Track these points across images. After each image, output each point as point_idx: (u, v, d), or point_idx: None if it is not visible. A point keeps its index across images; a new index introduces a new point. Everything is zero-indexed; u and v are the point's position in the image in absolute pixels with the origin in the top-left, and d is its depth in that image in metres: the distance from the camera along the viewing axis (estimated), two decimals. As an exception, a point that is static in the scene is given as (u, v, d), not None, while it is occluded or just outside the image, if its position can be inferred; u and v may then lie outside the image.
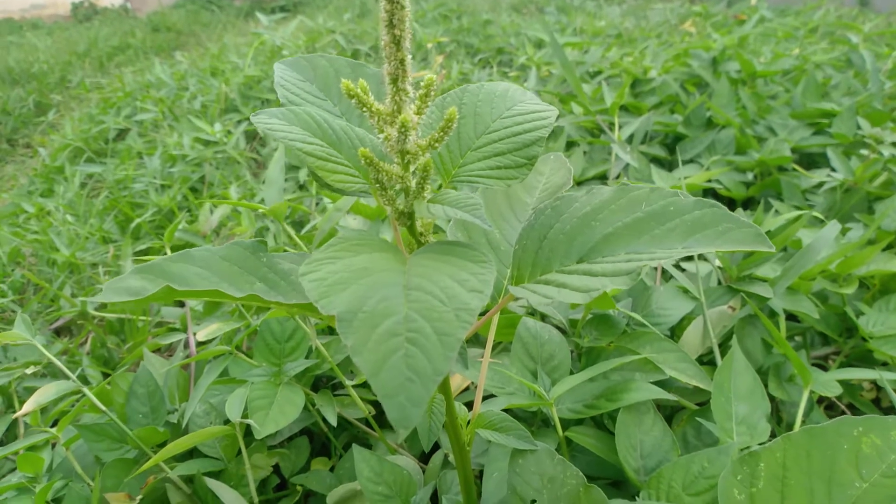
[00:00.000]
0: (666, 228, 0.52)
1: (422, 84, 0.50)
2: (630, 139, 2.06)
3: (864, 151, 1.81)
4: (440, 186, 0.59)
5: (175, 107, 3.98)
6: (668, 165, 2.04)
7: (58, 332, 2.35)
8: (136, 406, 1.06)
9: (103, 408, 1.01)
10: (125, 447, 1.03)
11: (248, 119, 3.54)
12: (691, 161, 1.99)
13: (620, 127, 2.10)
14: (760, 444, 0.84)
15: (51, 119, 5.17)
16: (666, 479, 0.76)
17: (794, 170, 1.80)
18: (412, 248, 0.57)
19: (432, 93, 0.50)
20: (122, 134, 4.04)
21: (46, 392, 0.98)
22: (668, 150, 2.08)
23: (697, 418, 0.91)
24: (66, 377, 1.04)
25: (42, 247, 2.68)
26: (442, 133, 0.50)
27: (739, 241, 0.49)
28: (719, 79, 2.36)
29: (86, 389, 1.01)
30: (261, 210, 1.04)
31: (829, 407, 1.25)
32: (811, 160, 1.99)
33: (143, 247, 2.49)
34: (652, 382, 0.90)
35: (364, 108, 0.50)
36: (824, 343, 1.38)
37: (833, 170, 1.79)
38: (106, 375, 1.70)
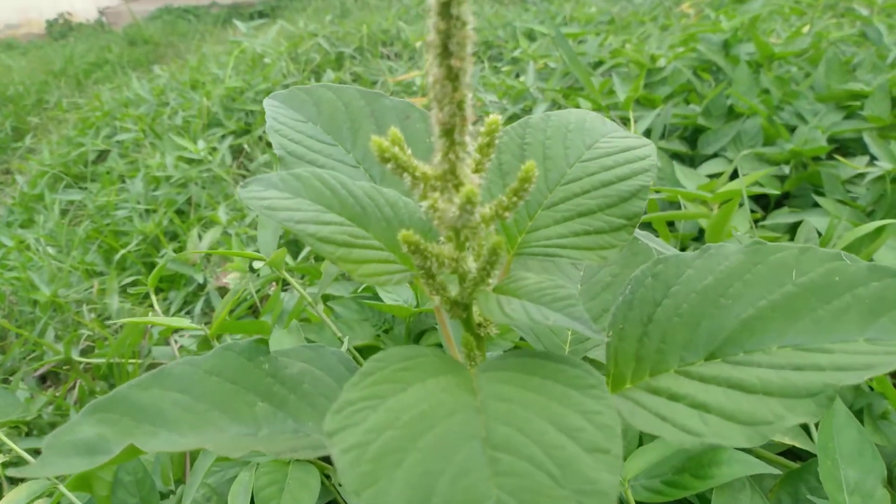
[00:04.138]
0: (833, 309, 0.37)
1: (481, 130, 0.34)
2: (647, 134, 1.90)
3: (908, 136, 1.66)
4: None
5: (156, 124, 3.80)
6: (691, 161, 1.89)
7: (44, 378, 2.20)
8: (124, 497, 0.90)
9: (82, 506, 0.85)
10: (114, 547, 0.88)
11: (233, 133, 3.37)
12: (715, 155, 1.85)
13: (635, 122, 1.95)
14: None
15: (28, 144, 4.98)
16: (782, 581, 0.61)
17: (835, 158, 1.65)
18: (470, 348, 0.41)
19: (496, 141, 0.34)
20: (102, 155, 3.87)
21: (16, 497, 0.83)
22: (689, 145, 1.93)
23: (797, 482, 0.76)
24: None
25: (22, 285, 2.52)
26: (514, 198, 0.35)
27: (949, 326, 0.34)
28: (734, 64, 2.21)
29: (62, 486, 0.86)
30: (256, 260, 0.88)
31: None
32: (844, 147, 1.85)
33: (129, 279, 2.33)
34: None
35: (405, 174, 0.34)
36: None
37: (873, 157, 1.64)
38: (95, 430, 1.55)
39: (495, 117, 0.34)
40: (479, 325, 0.43)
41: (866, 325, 0.36)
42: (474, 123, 0.35)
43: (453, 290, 0.40)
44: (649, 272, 0.43)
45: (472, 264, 0.39)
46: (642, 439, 0.79)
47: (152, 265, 2.43)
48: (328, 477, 0.99)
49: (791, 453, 0.95)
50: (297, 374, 0.47)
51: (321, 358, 0.49)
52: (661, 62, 2.35)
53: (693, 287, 0.41)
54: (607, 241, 0.41)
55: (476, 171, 0.36)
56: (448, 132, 0.34)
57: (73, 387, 2.03)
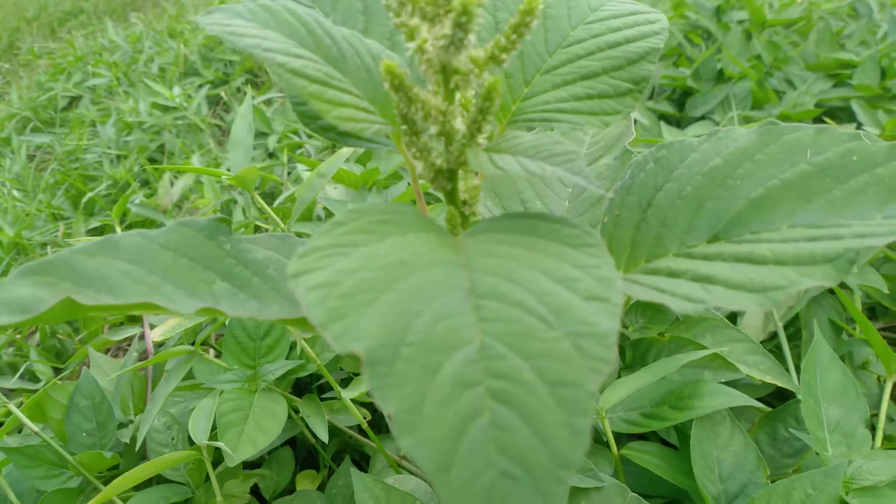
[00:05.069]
0: (850, 188, 0.34)
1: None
2: (635, 95, 1.87)
3: (897, 105, 1.65)
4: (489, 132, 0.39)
5: (130, 71, 3.68)
6: (678, 123, 1.87)
7: (4, 321, 2.12)
8: (79, 422, 0.86)
9: (35, 428, 0.81)
10: (67, 473, 0.84)
11: (210, 83, 3.27)
12: (703, 118, 1.82)
13: (623, 82, 1.91)
14: (862, 458, 0.69)
15: (-3, 88, 4.81)
16: (760, 512, 0.59)
17: (824, 122, 1.64)
18: (454, 224, 0.38)
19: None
20: (73, 102, 3.74)
21: (-40, 413, 0.78)
22: (676, 107, 1.90)
23: (776, 421, 0.74)
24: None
25: (-16, 226, 2.43)
26: (515, 35, 0.31)
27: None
28: (725, 30, 2.19)
29: (12, 406, 0.82)
30: (226, 178, 0.84)
31: None
32: (832, 114, 1.84)
33: (96, 224, 2.26)
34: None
35: (390, -9, 0.30)
36: (872, 316, 1.24)
37: (860, 124, 1.63)
38: (57, 371, 1.50)
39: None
40: (465, 202, 0.40)
41: (885, 204, 0.33)
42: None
43: (439, 156, 0.37)
44: (651, 157, 0.40)
45: (460, 125, 0.35)
46: (620, 373, 0.77)
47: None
48: (296, 411, 0.96)
49: (765, 402, 0.94)
50: (262, 260, 0.43)
51: (289, 247, 0.45)
52: (652, 25, 2.32)
53: (698, 169, 0.38)
54: (612, 105, 0.38)
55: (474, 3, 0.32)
56: (442, -61, 0.30)
57: (35, 330, 1.97)
